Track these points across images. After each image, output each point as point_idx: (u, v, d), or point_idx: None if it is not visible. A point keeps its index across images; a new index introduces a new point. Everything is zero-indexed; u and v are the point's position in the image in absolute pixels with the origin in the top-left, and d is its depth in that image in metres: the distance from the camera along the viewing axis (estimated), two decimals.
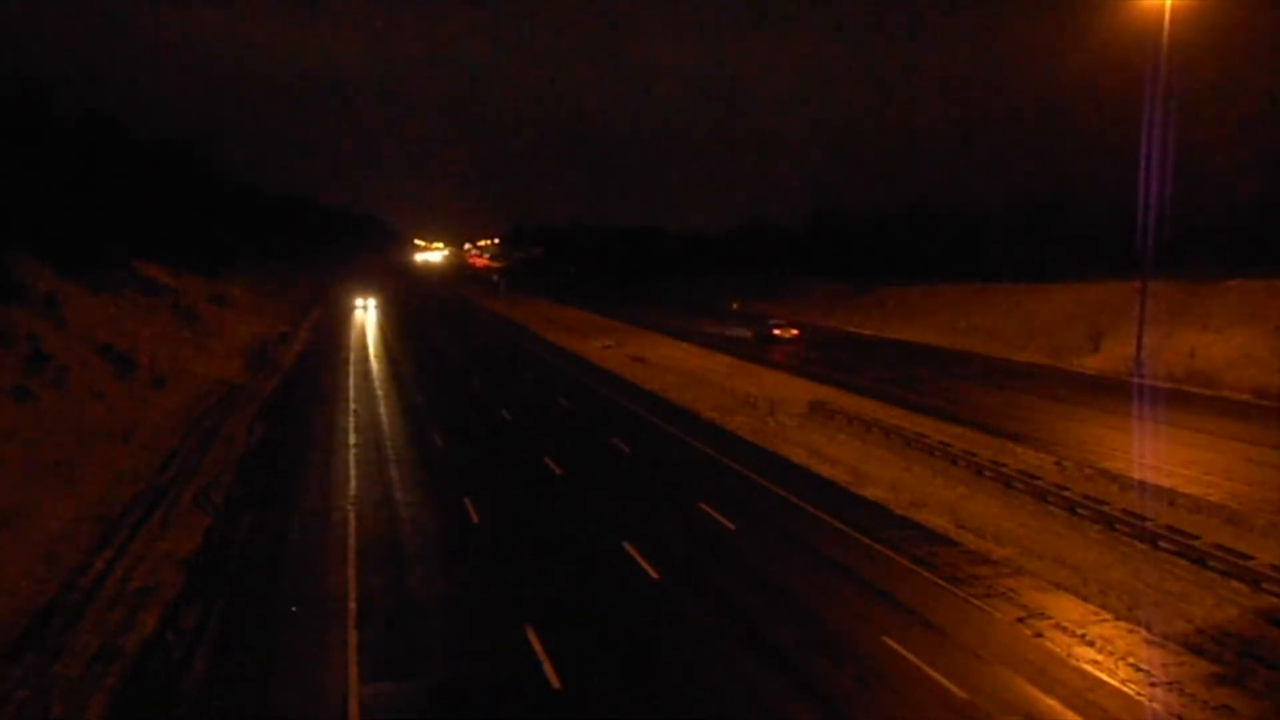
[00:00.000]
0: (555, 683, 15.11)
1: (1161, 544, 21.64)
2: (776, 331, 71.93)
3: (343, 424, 37.17)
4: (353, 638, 16.91)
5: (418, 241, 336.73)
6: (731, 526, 23.70)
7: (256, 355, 56.85)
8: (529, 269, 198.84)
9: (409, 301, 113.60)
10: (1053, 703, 14.55)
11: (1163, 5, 44.23)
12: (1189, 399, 43.57)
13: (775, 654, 16.29)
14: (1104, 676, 15.41)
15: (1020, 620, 17.66)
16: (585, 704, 14.54)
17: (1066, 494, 25.52)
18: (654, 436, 35.25)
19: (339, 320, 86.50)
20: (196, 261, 77.94)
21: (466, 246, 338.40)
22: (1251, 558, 20.15)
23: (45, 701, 14.52)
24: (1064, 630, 17.19)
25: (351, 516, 24.44)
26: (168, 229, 74.00)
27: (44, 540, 21.59)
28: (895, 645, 16.49)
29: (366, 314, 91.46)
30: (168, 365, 43.88)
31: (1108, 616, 17.80)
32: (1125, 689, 14.99)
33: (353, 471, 29.34)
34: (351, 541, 22.40)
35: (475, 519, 24.31)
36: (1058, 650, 16.41)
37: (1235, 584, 19.44)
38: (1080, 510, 24.45)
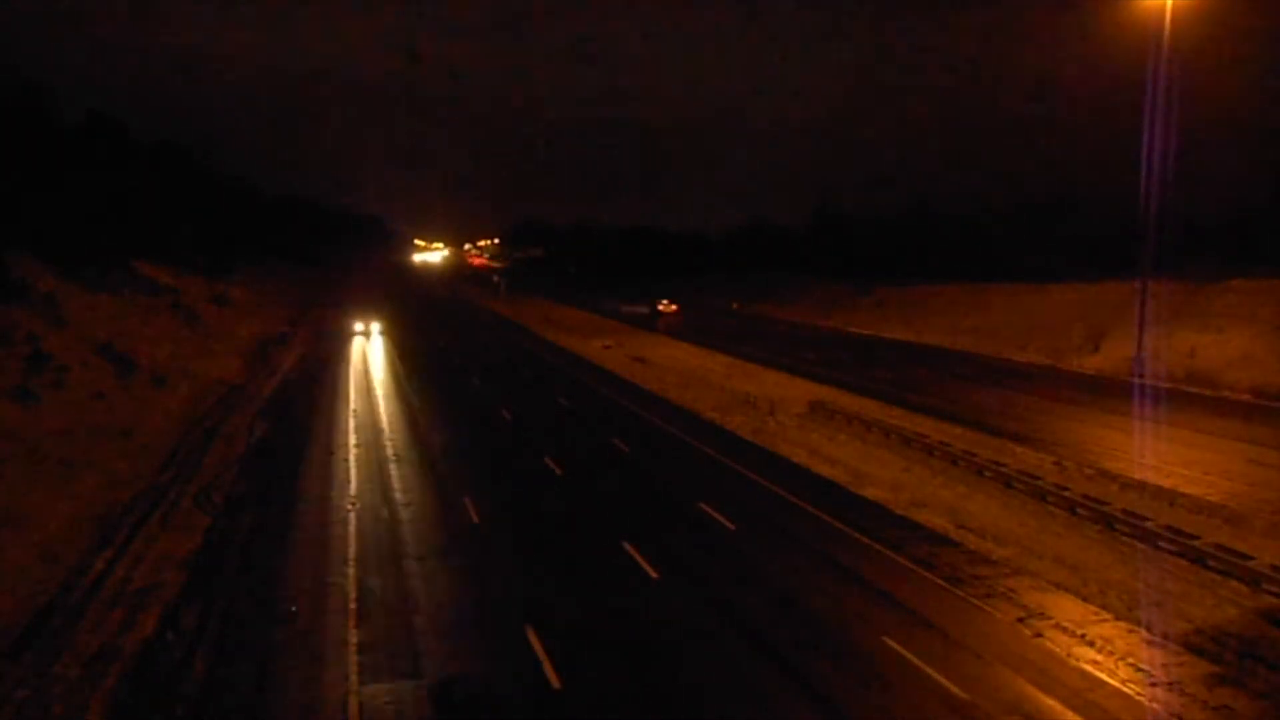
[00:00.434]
0: (555, 683, 15.11)
1: (1161, 544, 21.63)
2: (660, 308, 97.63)
3: (343, 424, 37.17)
4: (353, 637, 16.92)
5: (418, 241, 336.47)
6: (731, 526, 23.70)
7: (256, 355, 56.86)
8: (529, 269, 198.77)
9: (409, 303, 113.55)
10: (1053, 703, 14.55)
11: (1163, 5, 44.22)
12: (1189, 399, 43.56)
13: (775, 654, 16.29)
14: (1104, 676, 15.41)
15: (1020, 620, 17.66)
16: (585, 704, 14.54)
17: (1066, 494, 25.52)
18: (654, 436, 35.26)
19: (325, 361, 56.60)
20: (196, 261, 77.97)
21: (466, 246, 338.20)
22: (1251, 558, 20.16)
23: (45, 701, 14.52)
24: (1064, 630, 17.18)
25: (351, 516, 24.45)
26: (168, 229, 74.03)
27: (44, 540, 21.59)
28: (895, 645, 16.49)
29: (369, 345, 66.32)
30: (168, 365, 43.89)
31: (1108, 616, 17.80)
32: (1125, 689, 14.99)
33: (353, 471, 29.34)
34: (351, 541, 22.41)
35: (475, 519, 24.31)
36: (1058, 650, 16.41)
37: (1235, 584, 19.43)
38: (1080, 510, 24.45)
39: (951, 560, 20.96)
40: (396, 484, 27.91)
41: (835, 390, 45.43)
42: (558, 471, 29.49)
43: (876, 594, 19.07)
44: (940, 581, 19.69)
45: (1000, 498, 26.38)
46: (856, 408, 39.41)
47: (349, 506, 25.38)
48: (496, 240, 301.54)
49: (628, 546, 21.85)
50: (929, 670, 15.54)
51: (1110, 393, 45.94)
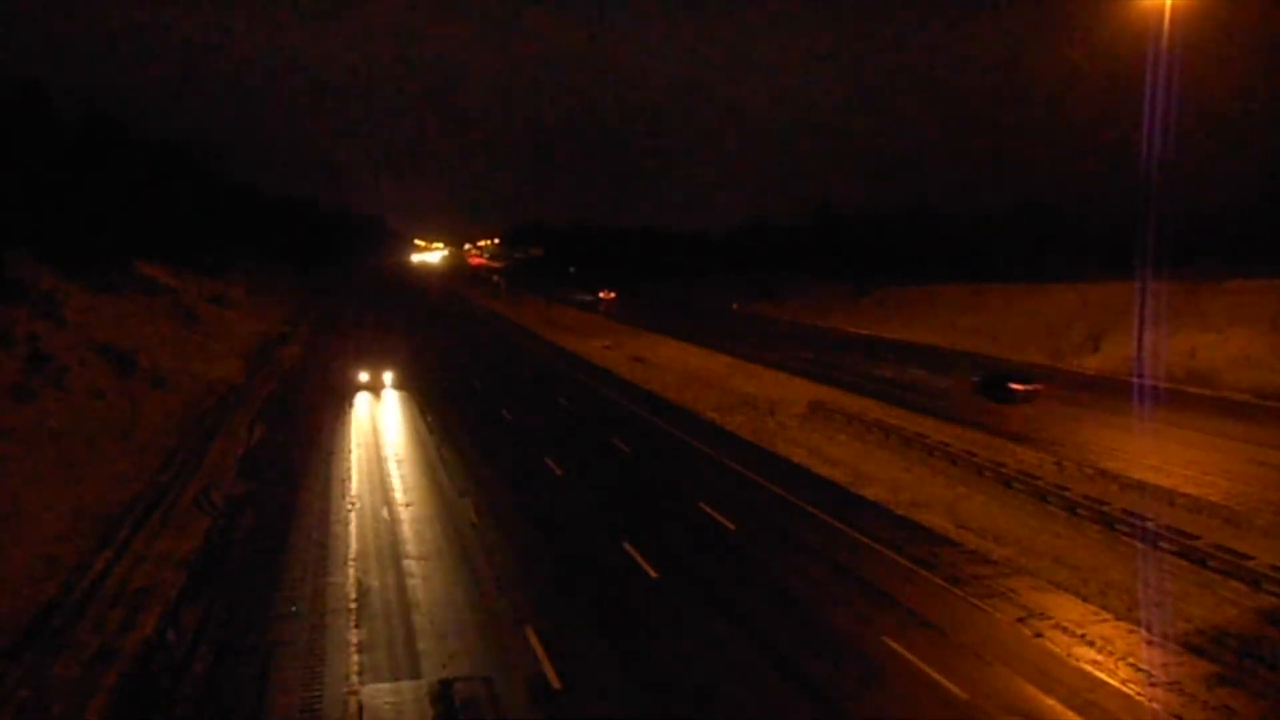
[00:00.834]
0: (555, 683, 15.11)
1: (1161, 544, 21.64)
2: (600, 295, 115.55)
3: (342, 423, 37.14)
4: (353, 637, 16.92)
5: (418, 241, 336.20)
6: (731, 526, 23.69)
7: (256, 355, 56.85)
8: (529, 269, 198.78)
9: (408, 305, 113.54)
10: (1053, 703, 14.55)
11: (1163, 5, 44.23)
12: (1189, 399, 43.56)
13: (775, 654, 16.29)
14: (1104, 676, 15.41)
15: (1020, 620, 17.66)
16: (585, 704, 14.53)
17: (1066, 494, 25.53)
18: (654, 436, 35.25)
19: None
20: (196, 261, 77.94)
21: (466, 247, 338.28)
22: (1251, 558, 20.17)
23: (45, 701, 14.52)
24: (1064, 630, 17.18)
25: (352, 516, 24.44)
26: (168, 229, 74.00)
27: (44, 540, 21.59)
28: (895, 645, 16.49)
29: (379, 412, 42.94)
30: (168, 365, 43.87)
31: (1108, 616, 17.80)
32: (1125, 689, 14.99)
33: (353, 471, 29.33)
34: (352, 541, 22.41)
35: (475, 518, 24.31)
36: (1058, 650, 16.41)
37: (1235, 584, 19.44)
38: (1080, 510, 24.45)
39: (951, 560, 20.96)
40: (396, 485, 27.90)
41: (835, 390, 45.42)
42: (558, 471, 29.49)
43: (876, 594, 19.07)
44: (940, 581, 19.69)
45: (1000, 498, 26.38)
46: (856, 408, 39.41)
47: (349, 506, 25.37)
48: (496, 240, 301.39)
49: (628, 546, 21.85)
50: (929, 670, 15.54)
51: (1110, 393, 45.93)
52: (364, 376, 46.39)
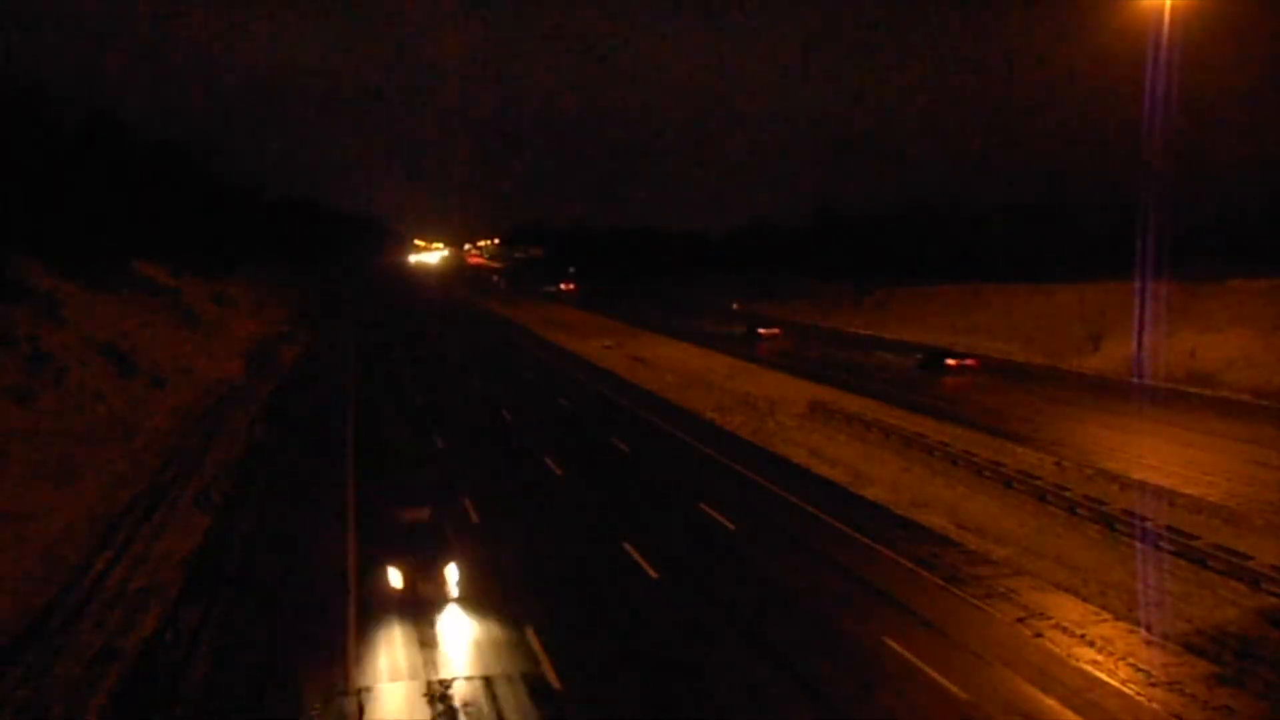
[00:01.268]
0: (555, 683, 15.11)
1: (1161, 544, 21.64)
2: (563, 286, 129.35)
3: (343, 423, 37.13)
4: (353, 637, 16.91)
5: (418, 242, 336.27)
6: (731, 526, 23.70)
7: (256, 355, 56.85)
8: (529, 269, 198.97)
9: (407, 307, 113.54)
10: (1053, 703, 14.55)
11: (1163, 5, 44.23)
12: (1189, 399, 43.58)
13: (775, 654, 16.29)
14: (1104, 676, 15.42)
15: (1020, 620, 17.67)
16: (585, 704, 14.54)
17: (1066, 494, 25.54)
18: (654, 436, 35.25)
19: None
20: (196, 261, 77.90)
21: (466, 246, 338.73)
22: (1251, 558, 20.18)
23: (45, 701, 14.53)
24: (1064, 630, 17.19)
25: (351, 516, 24.44)
26: (168, 229, 73.95)
27: (44, 540, 21.59)
28: (895, 645, 16.49)
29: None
30: (168, 365, 43.87)
31: (1108, 616, 17.81)
32: (1125, 689, 15.00)
33: (352, 471, 29.32)
34: (351, 541, 22.39)
35: (475, 519, 24.31)
36: (1058, 650, 16.41)
37: (1235, 584, 19.45)
38: (1080, 510, 24.46)
39: (951, 560, 20.97)
40: (396, 484, 27.88)
41: (835, 390, 45.43)
42: (558, 472, 29.49)
43: (876, 594, 19.07)
44: (940, 581, 19.70)
45: (1000, 498, 26.39)
46: (856, 408, 39.41)
47: (349, 506, 25.36)
48: (496, 240, 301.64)
49: (628, 546, 21.85)
50: (929, 670, 15.54)
51: (1110, 393, 45.95)
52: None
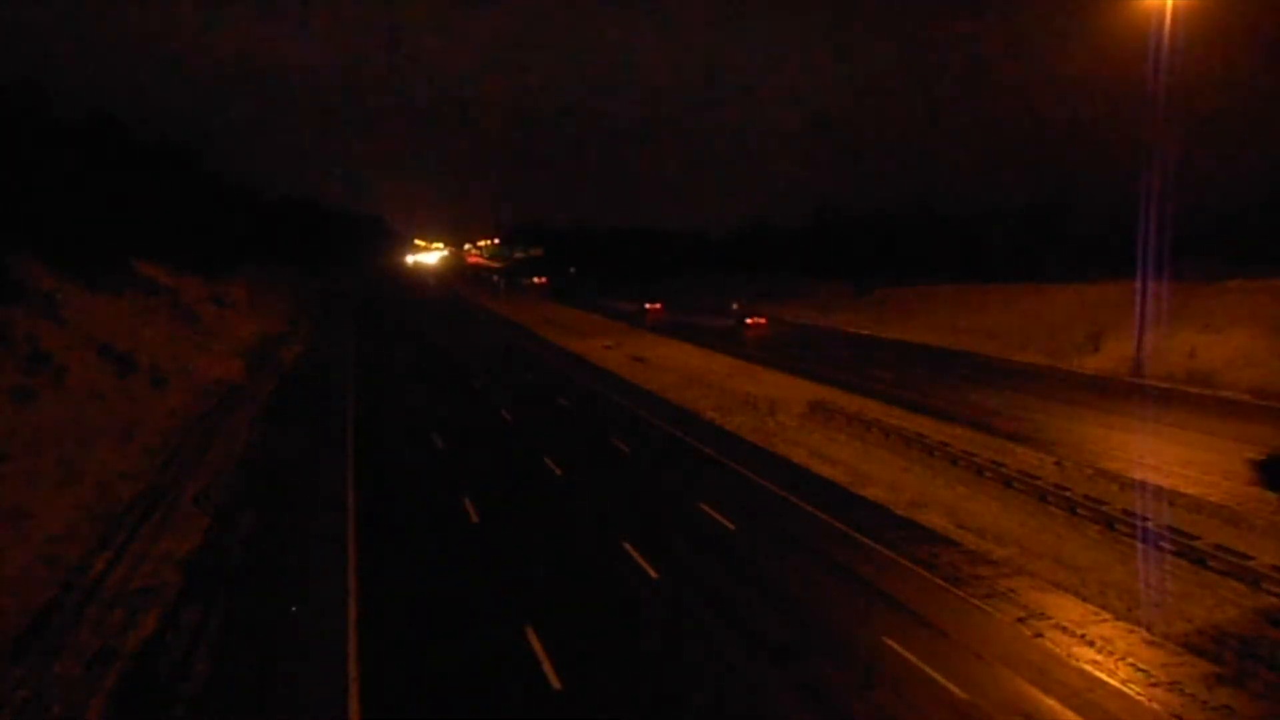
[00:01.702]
0: (555, 683, 15.11)
1: (1161, 544, 21.64)
2: (536, 280, 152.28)
3: (342, 423, 37.13)
4: (353, 637, 16.92)
5: (418, 241, 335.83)
6: (731, 526, 23.70)
7: (256, 355, 56.84)
8: (529, 269, 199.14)
9: (407, 309, 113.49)
10: (1053, 703, 14.55)
11: (1163, 5, 44.24)
12: (1189, 399, 43.57)
13: (775, 654, 16.29)
14: (1104, 677, 15.42)
15: (1020, 620, 17.67)
16: (585, 704, 14.54)
17: (1066, 494, 25.53)
18: (654, 436, 35.25)
19: None
20: (196, 261, 77.91)
21: (466, 246, 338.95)
22: (1251, 558, 20.17)
23: (45, 701, 14.52)
24: (1064, 630, 17.19)
25: (351, 516, 24.44)
26: (168, 229, 73.97)
27: (44, 540, 21.58)
28: (895, 645, 16.49)
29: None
30: (168, 365, 43.87)
31: (1108, 616, 17.81)
32: (1125, 689, 15.00)
33: (352, 471, 29.33)
34: (351, 540, 22.40)
35: (475, 519, 24.31)
36: (1058, 650, 16.41)
37: (1235, 584, 19.44)
38: (1080, 510, 24.45)
39: (951, 560, 20.96)
40: (396, 485, 27.90)
41: (835, 390, 45.43)
42: (558, 472, 29.48)
43: (876, 594, 19.07)
44: (940, 581, 19.70)
45: (1000, 498, 26.39)
46: (856, 408, 39.41)
47: (349, 506, 25.36)
48: (496, 240, 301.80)
49: (628, 546, 21.85)
50: (929, 670, 15.54)
51: (1110, 393, 45.94)
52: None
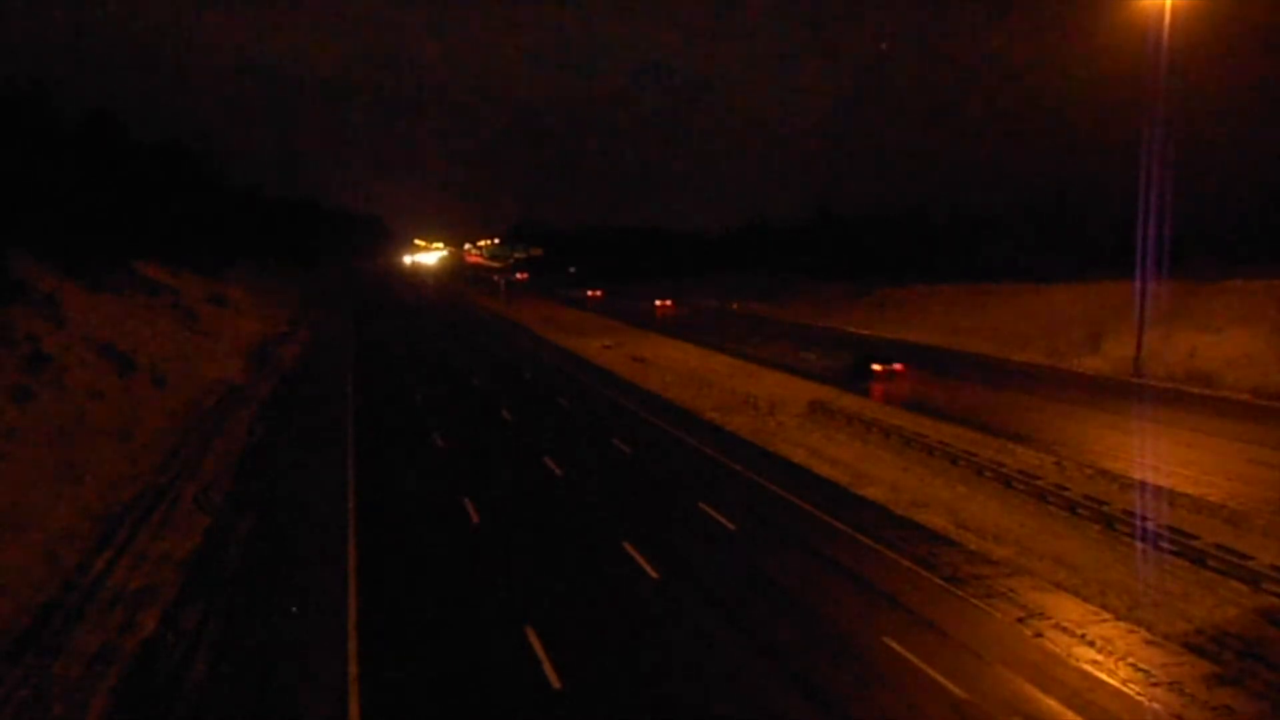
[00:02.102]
0: (555, 683, 15.11)
1: (1161, 544, 21.64)
2: (518, 277, 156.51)
3: (342, 423, 37.13)
4: (352, 637, 16.92)
5: (418, 241, 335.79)
6: (731, 526, 23.70)
7: (256, 355, 56.87)
8: (529, 269, 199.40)
9: (407, 311, 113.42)
10: (1053, 703, 14.55)
11: (1163, 5, 44.24)
12: (1189, 399, 43.58)
13: (775, 654, 16.29)
14: (1104, 676, 15.42)
15: (1020, 620, 17.67)
16: (585, 704, 14.54)
17: (1066, 494, 25.53)
18: (654, 436, 35.25)
19: None
20: (196, 261, 77.94)
21: (466, 246, 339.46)
22: (1251, 558, 20.17)
23: (45, 701, 14.52)
24: (1064, 630, 17.19)
25: (351, 517, 24.44)
26: (168, 229, 73.99)
27: (44, 540, 21.58)
28: (895, 645, 16.49)
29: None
30: (168, 365, 43.87)
31: (1108, 616, 17.81)
32: (1125, 689, 15.00)
33: (352, 471, 29.33)
34: (351, 542, 22.40)
35: (475, 519, 24.31)
36: (1058, 650, 16.42)
37: (1235, 584, 19.44)
38: (1080, 510, 24.45)
39: (951, 560, 20.97)
40: (396, 484, 27.91)
41: (835, 390, 45.44)
42: (558, 472, 29.49)
43: (876, 594, 19.07)
44: (940, 581, 19.70)
45: (1000, 498, 26.39)
46: (856, 408, 39.41)
47: (349, 506, 25.37)
48: (496, 240, 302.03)
49: (628, 546, 21.85)
50: (929, 670, 15.54)
51: (1110, 393, 45.95)
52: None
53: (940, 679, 15.22)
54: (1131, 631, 17.14)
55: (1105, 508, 24.13)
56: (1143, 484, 27.10)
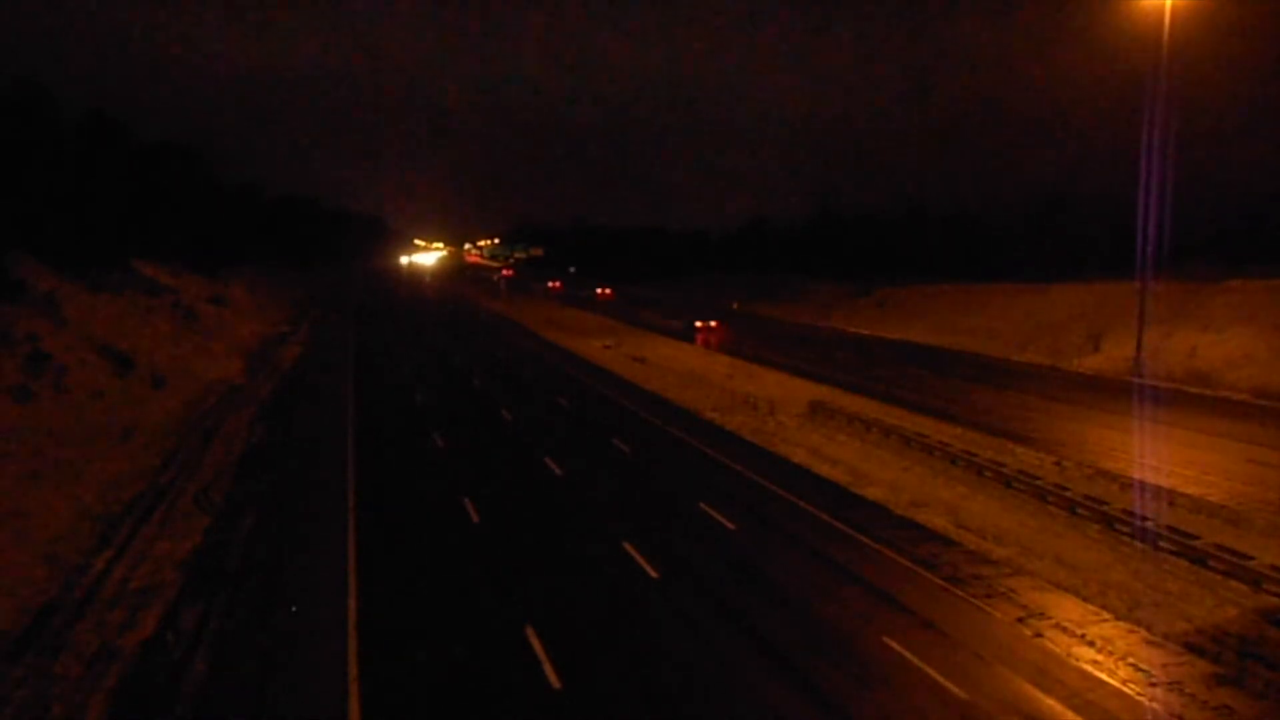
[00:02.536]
0: (555, 683, 15.11)
1: (1161, 544, 21.64)
2: (504, 273, 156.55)
3: (342, 423, 37.13)
4: (352, 637, 16.92)
5: (418, 241, 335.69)
6: (731, 526, 23.69)
7: (256, 355, 56.86)
8: (530, 269, 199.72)
9: (407, 312, 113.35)
10: (1053, 703, 14.55)
11: (1163, 5, 44.24)
12: (1189, 399, 43.57)
13: (775, 654, 16.29)
14: (1104, 676, 15.42)
15: (1020, 620, 17.67)
16: (585, 704, 14.54)
17: (1066, 494, 25.52)
18: (654, 436, 35.24)
19: None
20: (196, 261, 77.96)
21: (466, 246, 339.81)
22: (1251, 558, 20.16)
23: (45, 701, 14.53)
24: (1064, 630, 17.19)
25: (351, 517, 24.44)
26: (168, 229, 74.02)
27: (44, 540, 21.59)
28: (895, 645, 16.49)
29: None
30: (168, 365, 43.87)
31: (1108, 616, 17.81)
32: (1125, 689, 15.00)
33: (352, 471, 29.32)
34: (351, 540, 22.40)
35: (475, 519, 24.31)
36: (1058, 650, 16.41)
37: (1235, 584, 19.44)
38: (1080, 510, 24.45)
39: (951, 560, 20.96)
40: (396, 483, 27.90)
41: (835, 390, 45.43)
42: (558, 472, 29.48)
43: (876, 594, 19.07)
44: (940, 581, 19.70)
45: (1000, 498, 26.38)
46: (856, 408, 39.40)
47: (348, 506, 25.37)
48: (496, 240, 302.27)
49: (628, 546, 21.85)
50: (929, 670, 15.54)
51: (1110, 393, 45.95)
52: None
53: (940, 679, 15.22)
54: (1131, 631, 17.14)
55: (1105, 508, 24.12)
56: (1143, 484, 27.09)
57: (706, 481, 28.34)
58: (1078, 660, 16.01)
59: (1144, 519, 22.86)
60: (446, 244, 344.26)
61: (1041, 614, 17.92)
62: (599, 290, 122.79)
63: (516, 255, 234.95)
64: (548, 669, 15.55)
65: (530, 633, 16.94)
